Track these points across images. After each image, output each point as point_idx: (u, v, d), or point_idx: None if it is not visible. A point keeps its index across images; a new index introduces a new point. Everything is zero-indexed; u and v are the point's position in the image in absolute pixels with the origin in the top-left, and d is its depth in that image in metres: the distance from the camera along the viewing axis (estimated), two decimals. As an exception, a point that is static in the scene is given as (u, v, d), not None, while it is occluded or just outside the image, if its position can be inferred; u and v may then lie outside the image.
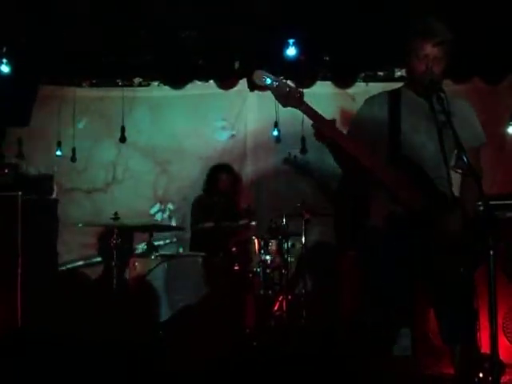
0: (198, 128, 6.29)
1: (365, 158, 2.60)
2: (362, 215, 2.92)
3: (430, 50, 2.64)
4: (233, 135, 6.30)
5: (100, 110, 6.34)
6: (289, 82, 2.57)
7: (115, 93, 6.19)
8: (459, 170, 2.63)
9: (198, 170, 6.02)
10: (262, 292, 4.76)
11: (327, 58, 5.56)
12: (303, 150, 5.68)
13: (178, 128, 6.30)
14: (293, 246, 5.04)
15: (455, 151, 2.57)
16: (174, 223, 6.21)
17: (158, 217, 6.23)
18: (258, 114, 6.23)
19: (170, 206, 6.28)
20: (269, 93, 2.57)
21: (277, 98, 2.55)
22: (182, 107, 6.31)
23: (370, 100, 2.88)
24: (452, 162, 2.63)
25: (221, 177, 5.42)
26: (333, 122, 2.61)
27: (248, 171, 6.21)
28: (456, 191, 2.70)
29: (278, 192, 5.97)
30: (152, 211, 6.26)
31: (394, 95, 2.81)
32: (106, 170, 6.29)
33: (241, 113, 6.32)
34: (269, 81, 2.53)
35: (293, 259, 5.14)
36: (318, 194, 5.82)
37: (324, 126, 2.58)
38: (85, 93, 6.23)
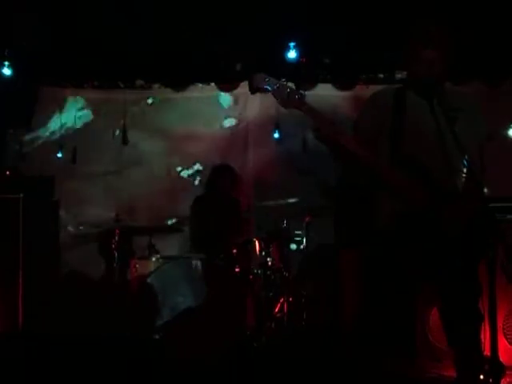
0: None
1: (367, 158, 2.60)
2: (363, 213, 2.93)
3: (427, 52, 2.64)
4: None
5: (101, 112, 6.36)
6: (289, 84, 2.59)
7: (117, 95, 6.21)
8: (461, 171, 2.65)
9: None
10: (262, 294, 4.76)
11: (328, 61, 5.57)
12: (304, 150, 5.71)
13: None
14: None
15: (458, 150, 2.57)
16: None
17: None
18: (259, 116, 6.25)
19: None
20: (270, 94, 2.59)
21: (277, 100, 2.56)
22: (184, 109, 6.36)
23: (375, 96, 2.89)
24: (455, 162, 2.64)
25: (222, 180, 5.39)
26: (334, 122, 2.61)
27: (249, 171, 6.23)
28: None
29: (279, 192, 5.98)
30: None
31: (398, 93, 2.81)
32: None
33: (242, 115, 6.34)
34: (269, 83, 2.55)
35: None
36: (319, 192, 5.85)
37: (326, 127, 2.59)
38: (87, 94, 6.25)
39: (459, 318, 2.65)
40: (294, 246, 5.26)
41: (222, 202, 5.29)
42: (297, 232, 5.16)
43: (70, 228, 6.01)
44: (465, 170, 2.61)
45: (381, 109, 2.78)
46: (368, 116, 2.84)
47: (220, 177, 5.38)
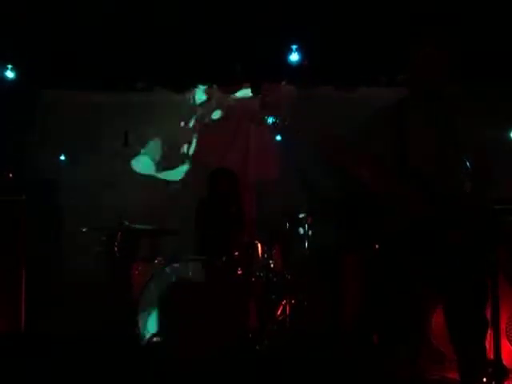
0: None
1: (371, 173, 2.62)
2: (363, 216, 2.93)
3: (427, 54, 2.66)
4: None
5: (101, 115, 6.36)
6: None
7: (118, 97, 6.22)
8: (463, 175, 2.66)
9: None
10: (264, 296, 4.76)
11: (329, 63, 5.58)
12: (307, 153, 5.72)
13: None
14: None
15: (461, 155, 2.59)
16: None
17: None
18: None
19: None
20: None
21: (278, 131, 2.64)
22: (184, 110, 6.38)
23: (377, 111, 2.90)
24: (458, 167, 2.65)
25: (220, 181, 5.39)
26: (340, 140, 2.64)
27: (251, 176, 6.23)
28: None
29: (280, 197, 5.99)
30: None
31: (399, 103, 2.82)
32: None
33: (242, 118, 6.35)
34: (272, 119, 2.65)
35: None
36: (320, 195, 5.87)
37: (326, 145, 2.61)
38: (87, 97, 6.25)
39: (463, 323, 2.66)
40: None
41: (225, 204, 5.30)
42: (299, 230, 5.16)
43: (73, 230, 6.00)
44: (466, 173, 2.62)
45: (383, 124, 2.79)
46: (370, 132, 2.85)
47: (217, 180, 5.38)
